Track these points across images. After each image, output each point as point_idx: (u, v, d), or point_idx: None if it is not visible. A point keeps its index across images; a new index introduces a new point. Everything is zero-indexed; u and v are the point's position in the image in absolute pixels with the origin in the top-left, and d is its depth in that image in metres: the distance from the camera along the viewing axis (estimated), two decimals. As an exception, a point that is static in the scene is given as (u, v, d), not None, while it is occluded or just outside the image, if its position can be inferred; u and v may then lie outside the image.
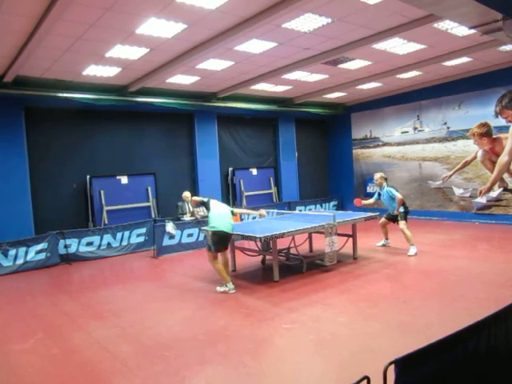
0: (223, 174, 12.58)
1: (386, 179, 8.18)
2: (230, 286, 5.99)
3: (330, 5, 5.74)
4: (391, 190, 7.95)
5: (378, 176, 8.19)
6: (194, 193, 11.65)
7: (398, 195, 7.81)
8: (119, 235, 9.27)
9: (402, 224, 7.78)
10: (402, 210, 7.86)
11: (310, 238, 8.39)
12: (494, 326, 2.44)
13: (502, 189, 10.53)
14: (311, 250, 8.33)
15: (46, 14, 5.21)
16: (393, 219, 8.14)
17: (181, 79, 9.32)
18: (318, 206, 13.88)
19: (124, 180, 10.42)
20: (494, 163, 10.61)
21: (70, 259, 8.58)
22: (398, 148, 13.04)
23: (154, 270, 8.03)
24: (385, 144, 13.44)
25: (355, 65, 9.14)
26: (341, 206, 14.69)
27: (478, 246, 8.33)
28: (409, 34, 7.06)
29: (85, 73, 8.26)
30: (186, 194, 9.88)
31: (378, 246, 8.58)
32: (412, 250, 7.64)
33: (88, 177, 9.93)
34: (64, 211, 9.73)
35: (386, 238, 8.59)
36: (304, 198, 14.20)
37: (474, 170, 11.08)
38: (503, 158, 10.41)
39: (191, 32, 6.40)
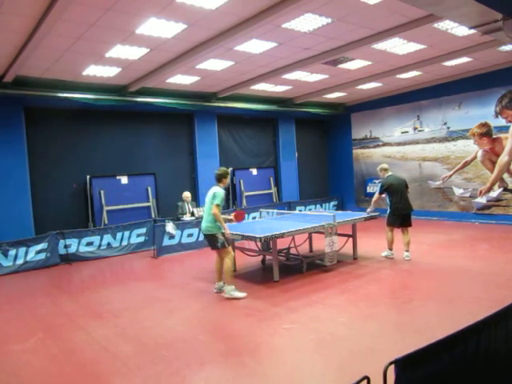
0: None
1: (386, 170, 7.26)
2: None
3: (329, 5, 5.74)
4: (380, 182, 7.18)
5: (378, 168, 7.44)
6: (194, 193, 11.67)
7: (377, 192, 7.14)
8: (119, 235, 9.28)
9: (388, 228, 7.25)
10: (388, 210, 7.18)
11: (310, 238, 8.39)
12: (493, 326, 2.44)
13: (501, 189, 10.53)
14: (311, 250, 8.32)
15: (46, 14, 5.21)
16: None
17: (181, 79, 9.32)
18: (318, 205, 13.87)
19: (124, 180, 10.41)
20: (494, 163, 10.60)
21: (70, 259, 8.58)
22: (398, 148, 13.04)
23: (154, 270, 8.03)
24: (385, 144, 13.44)
25: (355, 65, 9.14)
26: (341, 206, 14.68)
27: (478, 246, 8.34)
28: (409, 34, 7.06)
29: (85, 73, 8.26)
30: (186, 194, 9.92)
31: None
32: (385, 252, 7.40)
33: (88, 177, 9.92)
34: (64, 211, 9.73)
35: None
36: (304, 197, 14.19)
37: (473, 170, 11.08)
38: (503, 158, 10.41)
39: (191, 32, 6.40)
